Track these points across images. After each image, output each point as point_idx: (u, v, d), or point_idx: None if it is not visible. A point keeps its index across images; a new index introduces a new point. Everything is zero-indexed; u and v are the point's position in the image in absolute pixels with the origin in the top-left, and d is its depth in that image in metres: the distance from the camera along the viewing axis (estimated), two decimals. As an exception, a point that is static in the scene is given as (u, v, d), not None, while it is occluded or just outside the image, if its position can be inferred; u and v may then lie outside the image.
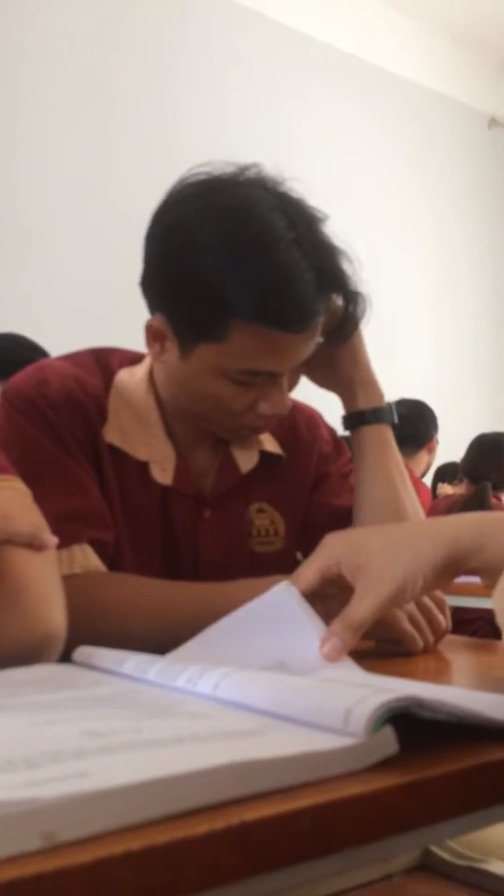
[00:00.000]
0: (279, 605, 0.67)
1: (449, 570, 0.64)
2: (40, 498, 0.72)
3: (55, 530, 0.69)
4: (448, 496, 3.45)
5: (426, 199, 4.94)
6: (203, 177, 0.89)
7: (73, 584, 0.72)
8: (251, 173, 0.89)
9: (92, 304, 3.49)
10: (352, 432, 1.04)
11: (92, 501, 0.88)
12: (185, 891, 0.29)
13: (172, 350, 0.90)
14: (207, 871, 0.29)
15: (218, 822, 0.30)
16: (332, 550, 0.67)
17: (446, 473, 3.69)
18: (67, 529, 0.81)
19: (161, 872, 0.28)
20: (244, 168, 0.89)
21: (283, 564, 0.97)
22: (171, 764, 0.32)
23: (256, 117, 4.16)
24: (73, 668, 0.61)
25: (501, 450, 3.10)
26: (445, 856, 0.77)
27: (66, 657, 0.64)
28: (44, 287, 3.41)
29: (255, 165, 0.90)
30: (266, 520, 1.01)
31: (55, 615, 0.65)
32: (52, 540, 0.67)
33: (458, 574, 0.65)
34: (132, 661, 0.57)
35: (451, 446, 3.35)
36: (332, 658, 0.62)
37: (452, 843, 0.78)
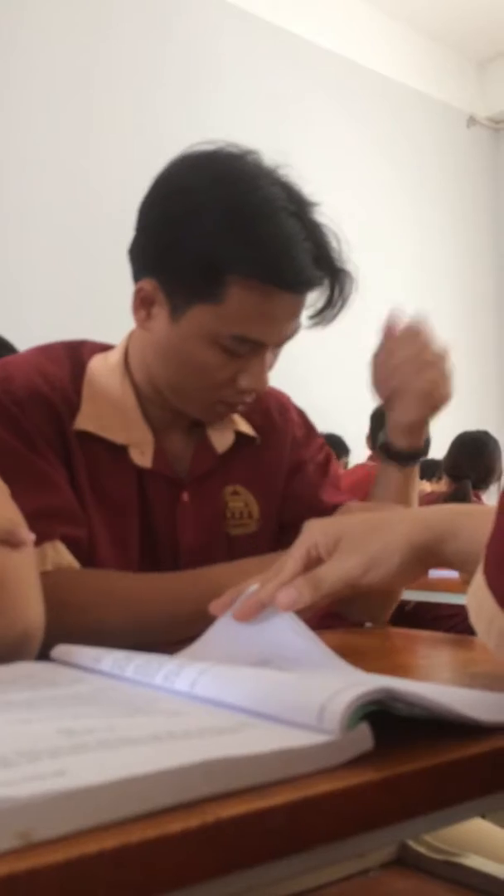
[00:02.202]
0: (266, 619, 0.67)
1: (424, 552, 0.64)
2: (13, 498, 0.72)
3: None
4: (429, 494, 3.47)
5: (405, 196, 4.96)
6: (207, 150, 0.91)
7: (45, 582, 0.72)
8: (251, 156, 0.91)
9: (70, 293, 3.47)
10: (381, 459, 1.06)
11: (62, 498, 0.88)
12: (160, 889, 0.29)
13: (160, 316, 0.91)
14: (182, 869, 0.29)
15: (192, 820, 0.30)
16: (311, 535, 0.68)
17: (425, 471, 3.71)
18: (38, 527, 0.81)
19: (135, 871, 0.28)
20: (245, 151, 0.92)
21: (256, 547, 0.99)
22: (146, 762, 0.32)
23: (234, 112, 4.16)
24: (51, 666, 0.60)
25: (482, 449, 3.13)
26: (422, 850, 0.78)
27: (41, 655, 0.64)
28: (23, 276, 3.39)
29: (254, 151, 0.92)
30: (240, 502, 1.02)
31: (33, 613, 0.65)
32: (30, 536, 0.67)
33: (434, 562, 0.65)
34: (110, 659, 0.57)
35: (431, 444, 3.36)
36: (282, 605, 0.63)
37: (429, 838, 0.79)
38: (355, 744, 0.37)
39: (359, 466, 3.23)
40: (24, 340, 2.17)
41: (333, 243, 0.91)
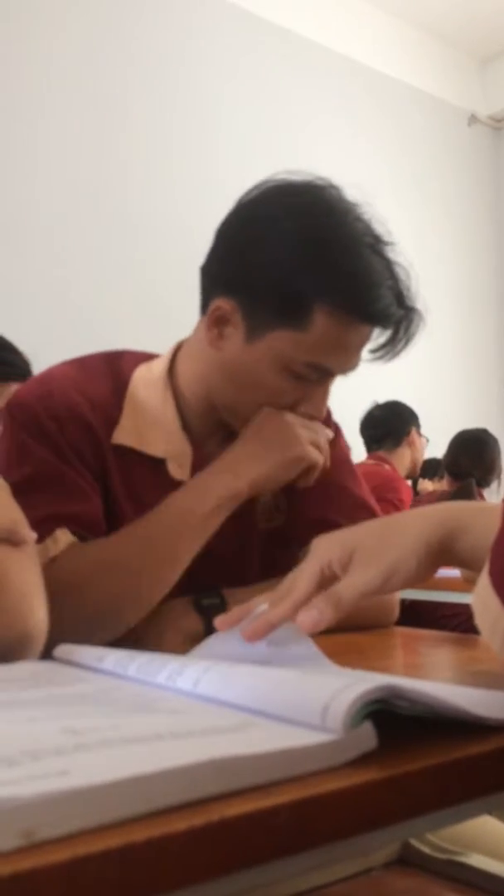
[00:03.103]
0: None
1: (438, 549, 0.63)
2: (35, 506, 0.72)
3: (42, 529, 0.69)
4: (431, 493, 3.47)
5: (405, 195, 4.95)
6: (294, 180, 0.93)
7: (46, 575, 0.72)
8: (333, 190, 0.94)
9: (72, 295, 3.47)
10: None
11: (85, 506, 0.89)
12: (165, 888, 0.29)
13: (233, 336, 0.92)
14: (186, 868, 0.29)
15: (197, 819, 0.30)
16: (324, 552, 0.66)
17: (427, 470, 3.71)
18: (46, 527, 0.82)
19: (140, 870, 0.28)
20: (328, 184, 0.94)
21: (284, 540, 1.01)
22: (150, 761, 0.32)
23: (233, 110, 4.16)
24: (54, 666, 0.60)
25: (483, 446, 3.12)
26: (425, 849, 0.78)
27: (44, 653, 0.64)
28: (24, 278, 3.39)
29: (336, 186, 0.94)
30: (268, 496, 1.03)
31: (36, 613, 0.64)
32: (31, 535, 0.67)
33: (447, 559, 0.64)
34: (113, 658, 0.57)
35: (431, 443, 3.36)
36: (304, 627, 0.61)
37: (432, 837, 0.78)
38: (359, 743, 0.37)
39: (358, 465, 3.23)
40: (25, 340, 2.16)
41: (406, 282, 0.93)
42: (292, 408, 0.94)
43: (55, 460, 0.89)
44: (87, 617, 0.81)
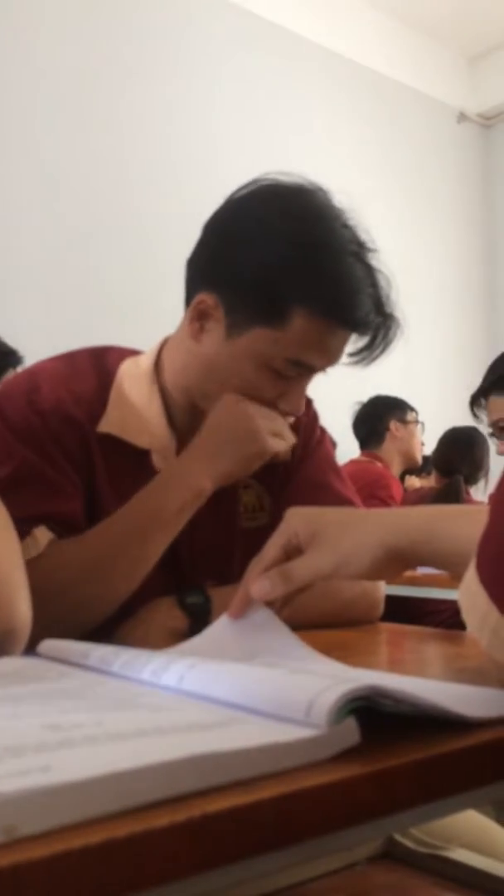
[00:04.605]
0: (249, 620, 0.68)
1: (398, 553, 0.65)
2: (16, 505, 0.72)
3: (22, 529, 0.68)
4: (417, 489, 3.48)
5: (395, 191, 4.95)
6: (286, 182, 0.94)
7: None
8: (321, 194, 0.95)
9: (65, 292, 3.46)
10: None
11: (67, 507, 0.90)
12: (146, 884, 0.29)
13: (214, 330, 0.93)
14: (168, 864, 0.29)
15: (179, 815, 0.30)
16: (291, 524, 0.69)
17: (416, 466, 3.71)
18: (29, 526, 0.82)
19: (121, 866, 0.28)
20: (317, 188, 0.95)
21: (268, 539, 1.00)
22: (133, 757, 0.32)
23: (226, 106, 4.15)
24: (37, 662, 0.60)
25: (473, 443, 3.13)
26: (409, 844, 0.78)
27: (27, 649, 0.64)
28: (17, 276, 3.37)
29: (325, 190, 0.95)
30: (252, 496, 1.04)
31: (19, 608, 0.64)
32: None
33: (409, 564, 0.66)
34: (98, 654, 0.57)
35: (421, 441, 3.37)
36: (254, 595, 0.66)
37: (415, 832, 0.79)
38: (342, 738, 0.37)
39: (351, 462, 3.23)
40: (24, 336, 2.16)
41: (387, 290, 0.94)
42: (271, 403, 0.94)
43: (36, 459, 0.89)
44: (61, 616, 0.82)
